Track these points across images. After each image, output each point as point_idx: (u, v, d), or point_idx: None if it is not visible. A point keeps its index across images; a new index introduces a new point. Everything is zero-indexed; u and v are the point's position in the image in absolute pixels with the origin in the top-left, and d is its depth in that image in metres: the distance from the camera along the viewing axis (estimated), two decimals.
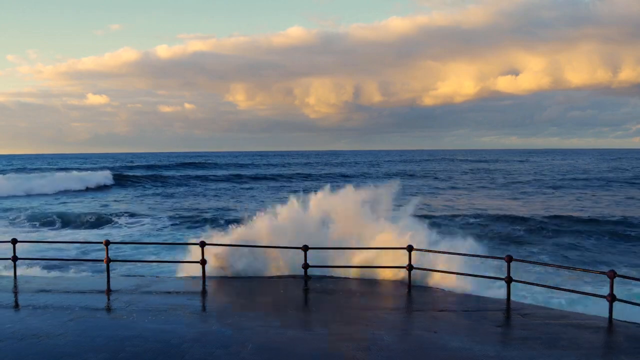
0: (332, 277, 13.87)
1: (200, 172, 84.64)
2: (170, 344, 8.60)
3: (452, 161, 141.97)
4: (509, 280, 11.41)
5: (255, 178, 74.63)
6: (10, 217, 34.51)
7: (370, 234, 14.56)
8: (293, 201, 16.17)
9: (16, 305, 11.36)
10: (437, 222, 27.95)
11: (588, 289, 13.72)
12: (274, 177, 77.39)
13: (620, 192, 50.70)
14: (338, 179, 70.06)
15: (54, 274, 16.15)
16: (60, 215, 34.70)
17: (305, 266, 13.11)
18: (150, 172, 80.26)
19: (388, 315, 10.53)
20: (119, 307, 10.91)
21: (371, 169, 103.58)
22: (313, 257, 13.34)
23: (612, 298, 9.90)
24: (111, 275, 13.75)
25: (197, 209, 39.32)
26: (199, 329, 9.43)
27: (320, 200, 16.25)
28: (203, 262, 13.55)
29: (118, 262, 16.50)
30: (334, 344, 8.67)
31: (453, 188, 57.89)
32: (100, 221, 33.39)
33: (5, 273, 14.74)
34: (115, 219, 33.69)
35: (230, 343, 8.64)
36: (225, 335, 9.08)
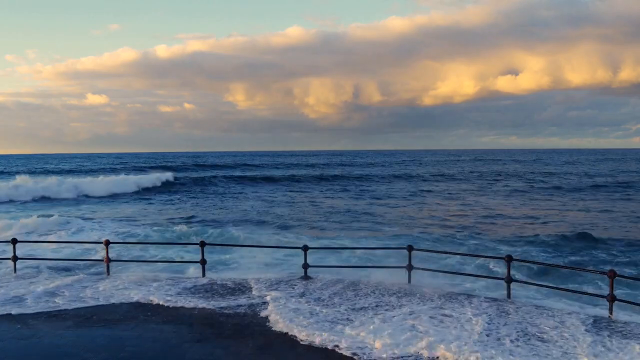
0: None
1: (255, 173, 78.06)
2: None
3: (500, 161, 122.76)
4: (509, 280, 11.40)
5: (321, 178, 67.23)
6: None
7: None
8: None
9: None
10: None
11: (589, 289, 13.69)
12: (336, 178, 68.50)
13: None
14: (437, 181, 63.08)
15: None
16: None
17: (305, 266, 13.11)
18: (216, 173, 73.85)
19: None
20: None
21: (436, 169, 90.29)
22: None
23: (612, 298, 9.91)
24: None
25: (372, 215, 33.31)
26: None
27: None
28: (203, 262, 13.56)
29: (118, 262, 16.47)
30: None
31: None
32: None
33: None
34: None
35: None
36: None
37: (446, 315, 9.84)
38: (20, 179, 48.80)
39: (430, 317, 9.75)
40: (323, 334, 8.93)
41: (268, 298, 11.23)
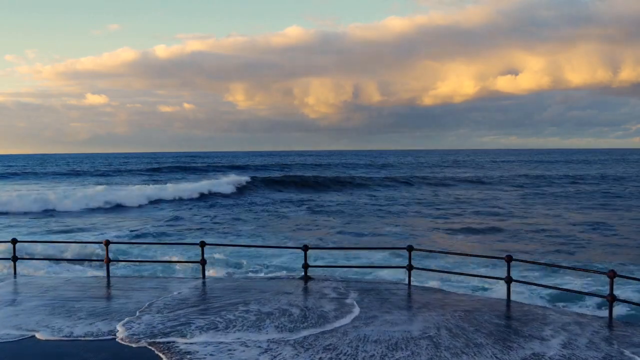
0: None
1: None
2: None
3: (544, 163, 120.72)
4: (509, 280, 11.39)
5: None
6: None
7: None
8: None
9: None
10: None
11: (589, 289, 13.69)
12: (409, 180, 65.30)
13: None
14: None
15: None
16: None
17: (306, 266, 13.10)
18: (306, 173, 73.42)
19: None
20: None
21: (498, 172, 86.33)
22: None
23: (612, 298, 9.90)
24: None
25: None
26: None
27: None
28: (203, 262, 13.56)
29: (118, 262, 16.49)
30: None
31: None
32: None
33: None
34: None
35: None
36: None
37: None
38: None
39: None
40: None
41: None
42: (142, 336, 8.85)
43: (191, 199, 45.06)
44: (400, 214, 35.76)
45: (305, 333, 8.98)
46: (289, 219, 33.31)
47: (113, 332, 9.13)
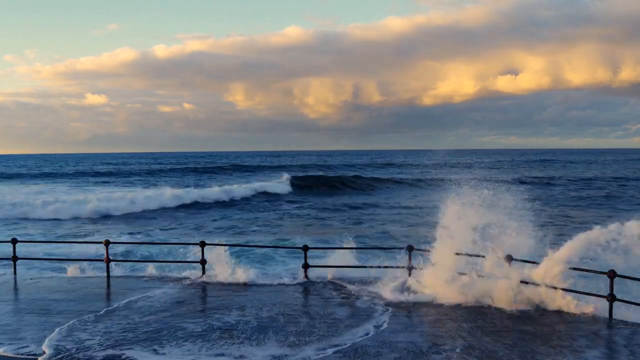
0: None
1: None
2: None
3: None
4: None
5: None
6: None
7: None
8: None
9: None
10: None
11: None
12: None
13: None
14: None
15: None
16: None
17: (306, 266, 13.10)
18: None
19: None
20: None
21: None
22: None
23: (612, 298, 9.90)
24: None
25: None
26: None
27: None
28: (203, 262, 13.57)
29: (118, 262, 16.48)
30: None
31: None
32: None
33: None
34: None
35: None
36: None
37: None
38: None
39: None
40: None
41: None
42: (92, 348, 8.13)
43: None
44: (409, 214, 35.81)
45: (313, 346, 8.38)
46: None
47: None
